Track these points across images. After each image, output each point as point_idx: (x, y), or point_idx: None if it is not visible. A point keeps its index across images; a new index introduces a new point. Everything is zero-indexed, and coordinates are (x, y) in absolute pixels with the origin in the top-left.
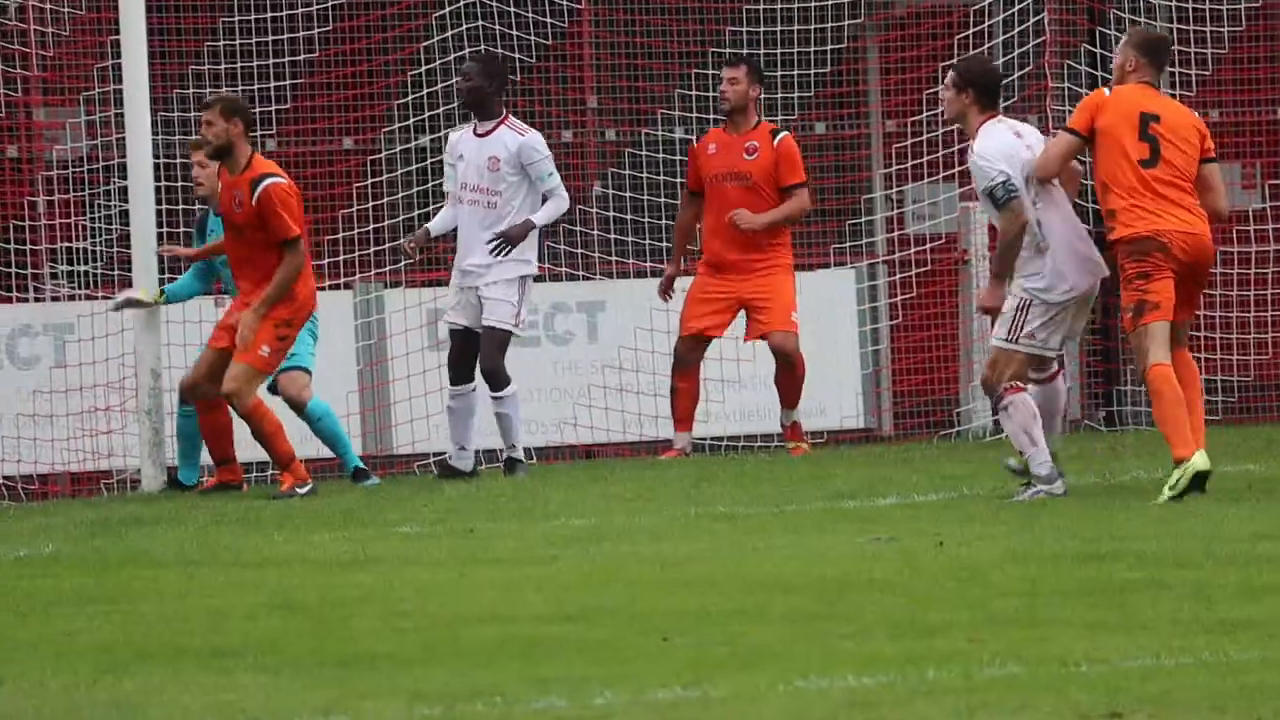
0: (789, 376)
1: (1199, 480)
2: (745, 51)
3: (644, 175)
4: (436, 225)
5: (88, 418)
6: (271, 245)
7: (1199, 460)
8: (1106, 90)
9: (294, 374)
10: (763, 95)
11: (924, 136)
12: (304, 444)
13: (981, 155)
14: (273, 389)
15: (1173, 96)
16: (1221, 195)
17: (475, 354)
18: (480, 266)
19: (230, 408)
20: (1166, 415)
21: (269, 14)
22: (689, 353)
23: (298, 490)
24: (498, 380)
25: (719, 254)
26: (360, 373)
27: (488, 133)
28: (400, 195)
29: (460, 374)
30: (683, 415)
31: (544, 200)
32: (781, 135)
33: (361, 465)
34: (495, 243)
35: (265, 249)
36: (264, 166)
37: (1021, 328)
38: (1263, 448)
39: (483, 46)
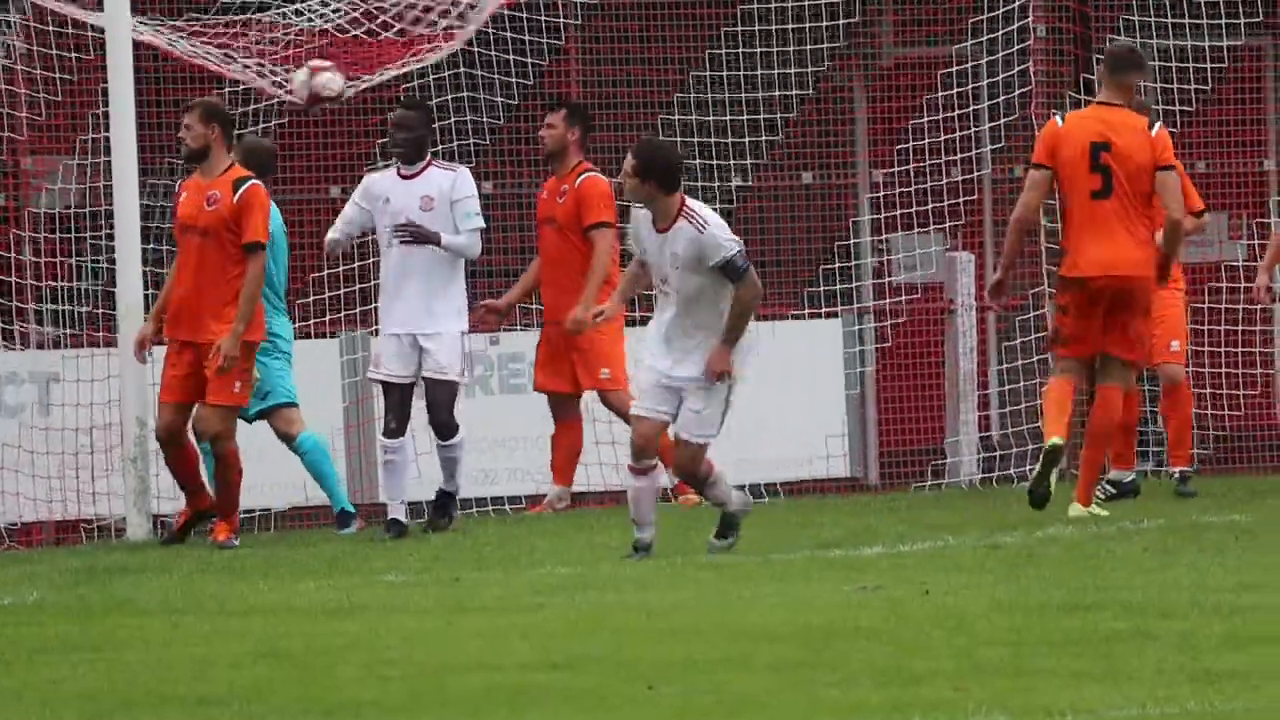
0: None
1: (1050, 457)
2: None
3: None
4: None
5: (73, 465)
6: (231, 257)
7: (1054, 440)
8: (1059, 119)
9: (284, 412)
10: (731, 139)
11: (912, 187)
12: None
13: (716, 227)
14: (246, 417)
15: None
16: (1176, 202)
17: (410, 405)
18: (423, 315)
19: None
20: (1043, 408)
21: (255, 59)
22: (556, 408)
23: (233, 541)
24: (451, 430)
25: (552, 303)
26: (345, 411)
27: (416, 174)
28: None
29: (400, 427)
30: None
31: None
32: (583, 176)
33: (349, 509)
34: (405, 227)
35: (224, 260)
36: (244, 172)
37: None
38: (1247, 498)
39: (465, 94)
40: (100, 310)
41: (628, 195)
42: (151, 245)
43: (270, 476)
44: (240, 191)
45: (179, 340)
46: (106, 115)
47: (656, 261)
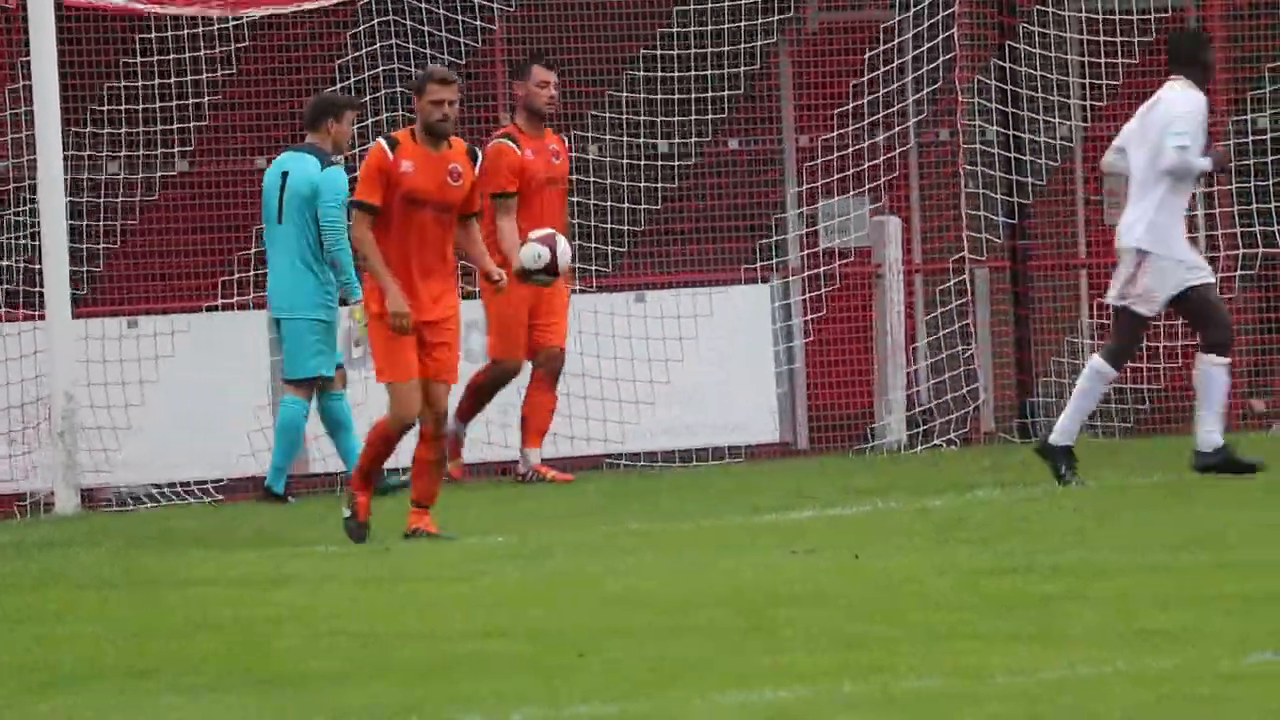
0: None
1: None
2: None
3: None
4: None
5: (3, 441)
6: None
7: None
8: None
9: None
10: (677, 115)
11: (836, 153)
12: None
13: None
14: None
15: (1084, 111)
16: None
17: None
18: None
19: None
20: None
21: (184, 31)
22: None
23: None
24: None
25: None
26: (273, 389)
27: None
28: None
29: None
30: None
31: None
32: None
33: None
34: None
35: (450, 233)
36: (463, 141)
37: None
38: (1177, 457)
39: (395, 65)
40: (22, 287)
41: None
42: (78, 219)
43: (201, 448)
44: (479, 162)
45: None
46: (28, 88)
47: None
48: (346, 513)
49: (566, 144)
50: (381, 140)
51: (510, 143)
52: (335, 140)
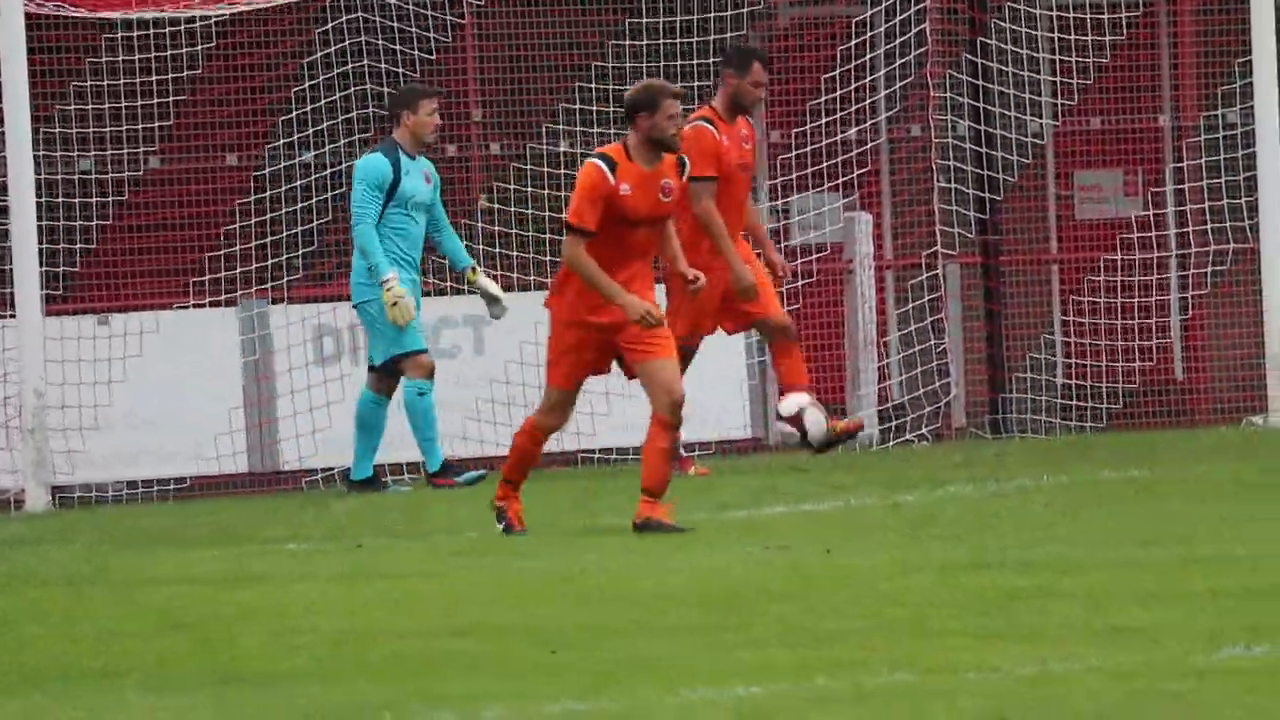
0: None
1: None
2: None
3: (528, 189)
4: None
5: None
6: None
7: None
8: None
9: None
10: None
11: (808, 147)
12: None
13: None
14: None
15: (1055, 107)
16: None
17: None
18: None
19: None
20: None
21: (151, 30)
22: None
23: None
24: None
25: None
26: (245, 389)
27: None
28: (283, 211)
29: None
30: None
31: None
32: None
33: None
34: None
35: (657, 238)
36: (670, 154)
37: None
38: (1147, 453)
39: (365, 62)
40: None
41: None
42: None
43: (165, 445)
44: (685, 171)
45: (598, 323)
46: None
47: None
48: (500, 527)
49: (755, 130)
50: (598, 161)
51: (709, 125)
52: (414, 132)
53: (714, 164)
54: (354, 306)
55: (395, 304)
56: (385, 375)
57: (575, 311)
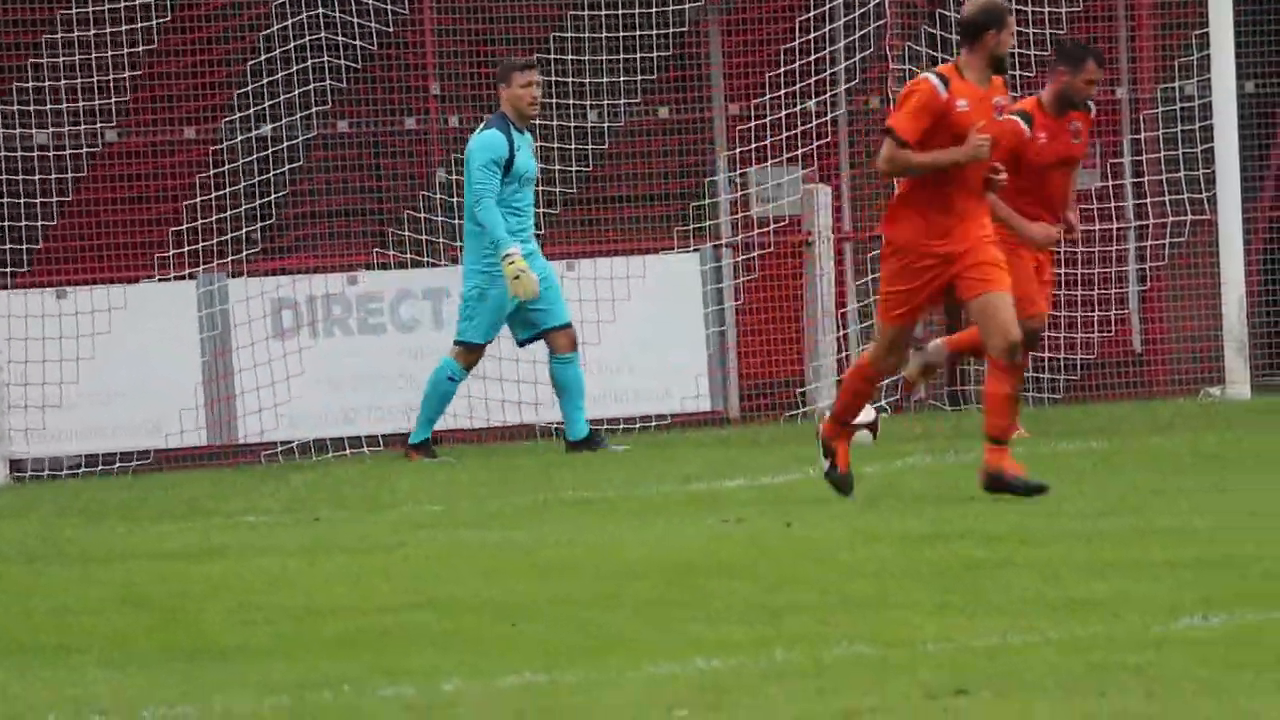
0: None
1: None
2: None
3: None
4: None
5: None
6: None
7: None
8: None
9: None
10: (605, 79)
11: (767, 119)
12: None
13: None
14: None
15: (1011, 80)
16: None
17: None
18: None
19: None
20: None
21: (107, 5)
22: None
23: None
24: None
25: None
26: (205, 363)
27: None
28: (242, 184)
29: None
30: None
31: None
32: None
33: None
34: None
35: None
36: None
37: None
38: (1105, 425)
39: (323, 34)
40: None
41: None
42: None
43: (125, 419)
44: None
45: (936, 252)
46: None
47: None
48: (825, 464)
49: (1090, 120)
50: (1017, 119)
51: (1021, 120)
52: (513, 105)
53: (1004, 155)
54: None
55: (517, 278)
56: (468, 350)
57: (912, 237)
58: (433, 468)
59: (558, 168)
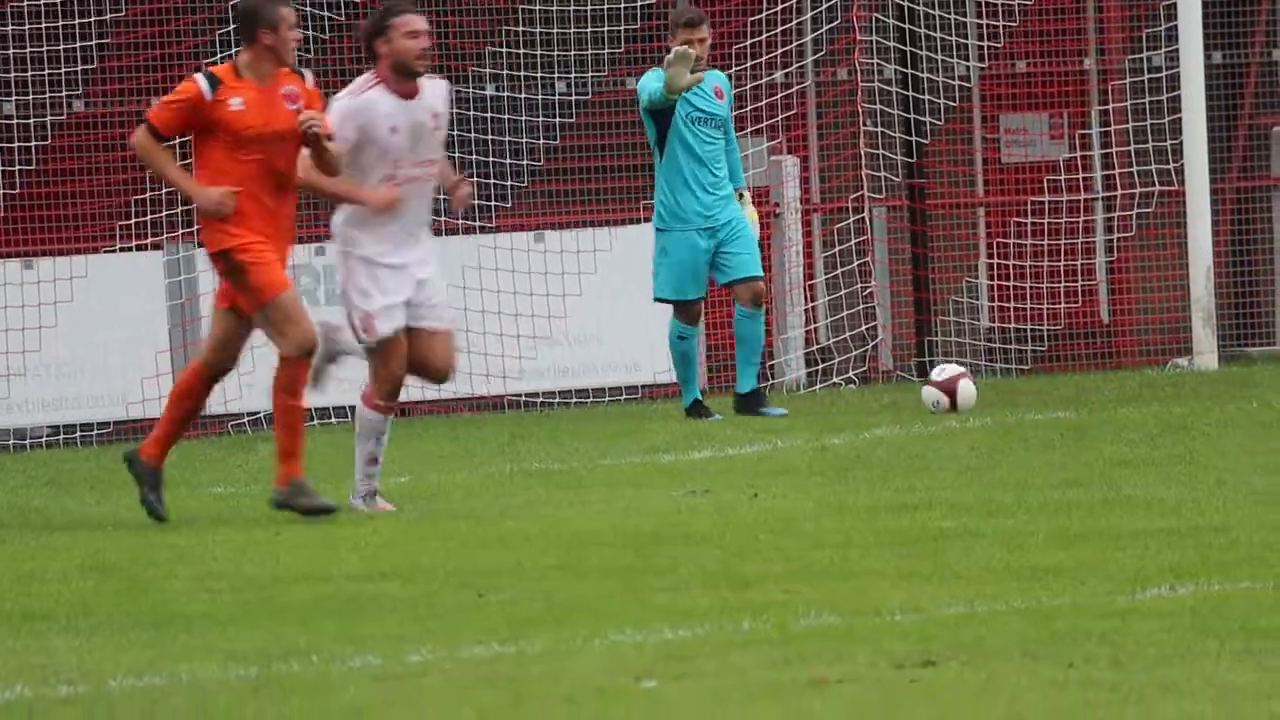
0: None
1: None
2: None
3: (455, 132)
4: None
5: None
6: None
7: None
8: None
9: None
10: (573, 51)
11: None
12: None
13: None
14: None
15: (981, 50)
16: None
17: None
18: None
19: None
20: None
21: None
22: None
23: None
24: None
25: None
26: (171, 333)
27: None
28: None
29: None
30: None
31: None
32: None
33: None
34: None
35: None
36: None
37: None
38: (1073, 395)
39: (291, 3)
40: None
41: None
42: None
43: (91, 390)
44: None
45: None
46: None
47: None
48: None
49: None
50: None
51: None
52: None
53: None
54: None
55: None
56: (675, 307)
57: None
58: (395, 437)
59: (525, 139)
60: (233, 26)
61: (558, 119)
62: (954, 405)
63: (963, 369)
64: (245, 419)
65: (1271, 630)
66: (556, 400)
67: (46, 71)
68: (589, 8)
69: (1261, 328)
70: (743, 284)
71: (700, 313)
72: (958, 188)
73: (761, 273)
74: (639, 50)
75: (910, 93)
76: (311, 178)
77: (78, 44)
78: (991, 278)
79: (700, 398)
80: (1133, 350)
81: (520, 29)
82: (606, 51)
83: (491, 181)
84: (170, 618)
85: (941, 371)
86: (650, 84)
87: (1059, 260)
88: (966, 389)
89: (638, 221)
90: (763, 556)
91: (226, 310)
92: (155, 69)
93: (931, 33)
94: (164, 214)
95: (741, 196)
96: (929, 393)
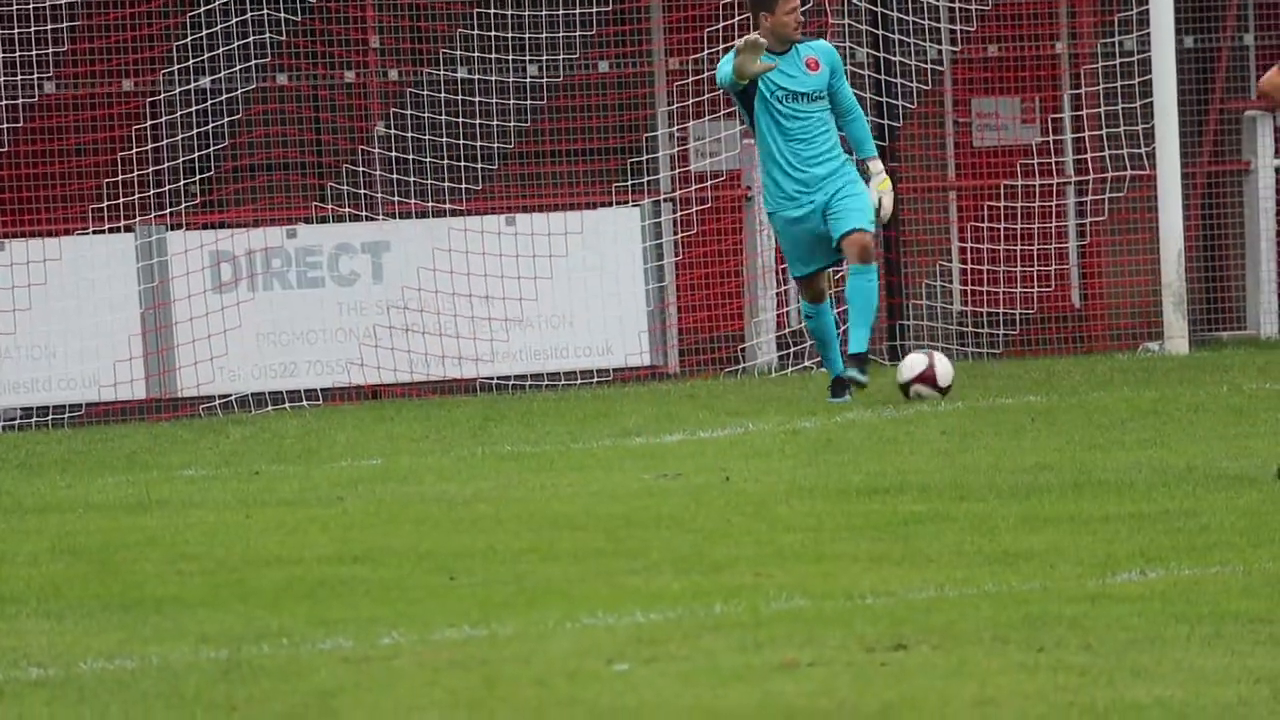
0: None
1: None
2: None
3: (426, 115)
4: None
5: None
6: None
7: None
8: None
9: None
10: (545, 33)
11: (706, 73)
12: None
13: None
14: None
15: (953, 34)
16: None
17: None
18: None
19: None
20: None
21: None
22: None
23: None
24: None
25: None
26: (143, 316)
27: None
28: (180, 137)
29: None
30: None
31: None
32: None
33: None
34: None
35: None
36: None
37: None
38: (1043, 379)
39: None
40: None
41: None
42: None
43: (63, 372)
44: None
45: None
46: None
47: None
48: None
49: None
50: None
51: None
52: (775, 32)
53: None
54: (769, 215)
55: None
56: (800, 284)
57: None
58: (367, 420)
59: (496, 122)
60: (204, 8)
61: (529, 102)
62: (941, 388)
63: (924, 353)
64: (217, 401)
65: (1241, 614)
66: (528, 383)
67: (18, 53)
68: None
69: (1232, 312)
70: (845, 238)
71: (823, 290)
72: (929, 171)
73: (864, 225)
74: (610, 34)
75: (882, 76)
76: None
77: (48, 25)
78: (963, 262)
79: (843, 375)
80: (1104, 334)
81: (492, 11)
82: (578, 34)
83: (463, 164)
84: (141, 600)
85: (911, 369)
86: (724, 68)
87: (1031, 244)
88: (943, 367)
89: (609, 205)
90: (734, 540)
91: None
92: (126, 50)
93: (903, 16)
94: (136, 196)
95: (867, 167)
96: (916, 392)
